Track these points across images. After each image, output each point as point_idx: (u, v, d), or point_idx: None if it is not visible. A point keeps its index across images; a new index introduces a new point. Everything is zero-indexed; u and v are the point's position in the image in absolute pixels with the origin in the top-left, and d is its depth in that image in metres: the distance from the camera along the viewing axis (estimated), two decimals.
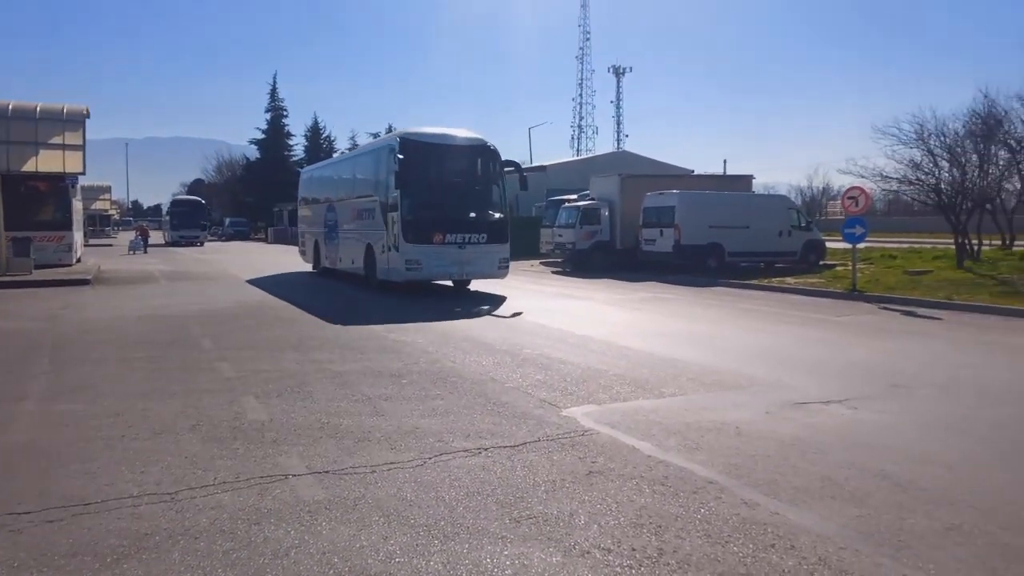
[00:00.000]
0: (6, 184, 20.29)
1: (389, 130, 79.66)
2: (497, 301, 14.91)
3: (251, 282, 19.64)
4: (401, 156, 14.72)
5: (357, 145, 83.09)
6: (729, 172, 39.98)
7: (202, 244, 50.23)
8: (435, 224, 15.08)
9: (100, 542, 3.71)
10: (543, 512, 4.10)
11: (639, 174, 27.05)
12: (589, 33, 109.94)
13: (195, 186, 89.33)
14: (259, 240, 63.38)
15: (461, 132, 16.58)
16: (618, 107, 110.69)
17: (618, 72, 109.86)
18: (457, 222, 15.30)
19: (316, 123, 78.80)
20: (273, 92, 76.68)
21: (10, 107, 20.33)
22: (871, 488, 4.48)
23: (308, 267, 23.41)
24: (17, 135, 19.89)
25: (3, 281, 18.70)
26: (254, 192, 73.90)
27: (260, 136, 76.66)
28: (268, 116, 76.69)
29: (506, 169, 16.65)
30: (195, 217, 52.78)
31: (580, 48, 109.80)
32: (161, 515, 4.06)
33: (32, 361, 8.59)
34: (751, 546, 3.67)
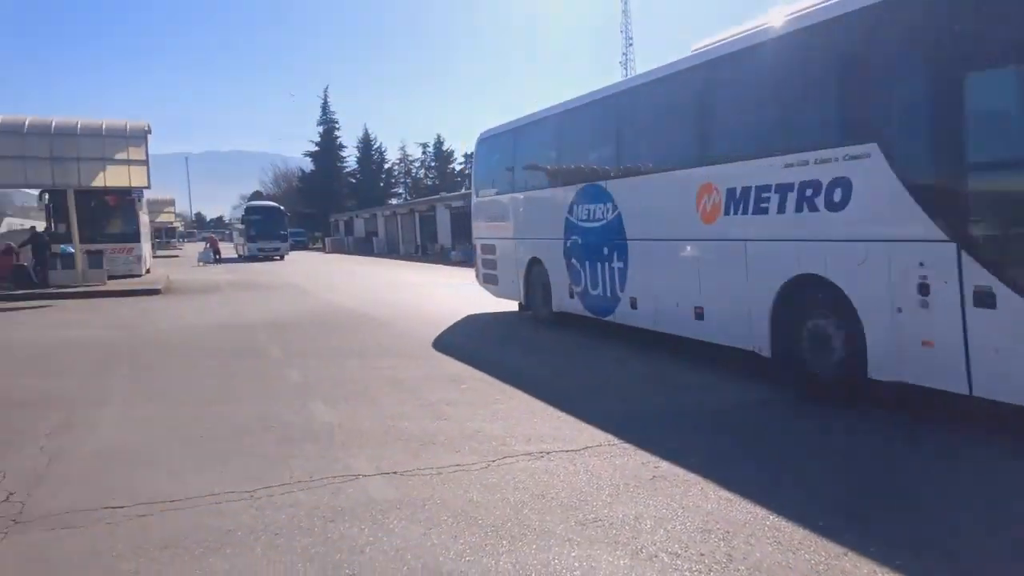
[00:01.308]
0: (78, 199, 21.33)
1: (438, 141, 79.99)
2: None
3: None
4: None
5: (408, 155, 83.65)
6: None
7: (282, 258, 43.73)
8: None
9: (188, 536, 3.91)
10: (608, 515, 4.15)
11: None
12: (631, 39, 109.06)
13: (254, 198, 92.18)
14: (317, 250, 64.84)
15: None
16: None
17: None
18: None
19: (367, 134, 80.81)
20: (325, 105, 78.97)
21: (78, 125, 21.34)
22: None
23: (489, 300, 14.08)
24: (86, 152, 20.86)
25: (80, 291, 19.68)
26: (310, 203, 75.86)
27: (314, 149, 78.89)
28: (321, 129, 79.09)
29: None
30: (275, 226, 45.31)
31: (623, 54, 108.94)
32: (242, 512, 4.25)
33: (113, 368, 9.05)
34: (823, 554, 3.65)
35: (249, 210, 48.14)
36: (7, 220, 28.21)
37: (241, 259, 44.22)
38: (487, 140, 14.03)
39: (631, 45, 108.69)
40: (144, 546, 3.79)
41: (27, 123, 20.80)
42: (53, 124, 21.00)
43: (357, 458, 5.26)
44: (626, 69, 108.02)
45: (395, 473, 4.91)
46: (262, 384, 7.90)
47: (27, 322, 14.18)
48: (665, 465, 4.98)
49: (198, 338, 11.51)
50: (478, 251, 14.44)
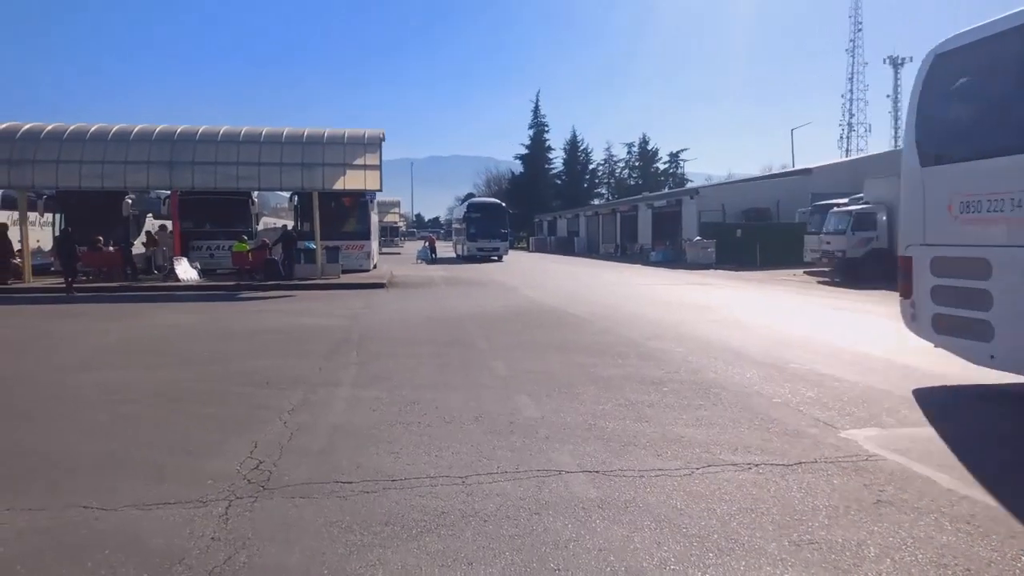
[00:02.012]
0: (320, 201, 23.79)
1: (643, 140, 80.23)
2: None
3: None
4: None
5: (612, 156, 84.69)
6: None
7: (500, 259, 41.42)
8: None
9: (406, 515, 4.22)
10: (826, 539, 3.86)
11: None
12: (861, 24, 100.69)
13: (467, 200, 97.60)
14: (521, 249, 67.01)
15: None
16: (896, 102, 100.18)
17: (896, 63, 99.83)
18: None
19: (574, 137, 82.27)
20: (536, 110, 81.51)
21: (325, 135, 23.79)
22: None
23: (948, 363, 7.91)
24: (330, 158, 23.18)
25: (319, 283, 22.05)
26: (517, 204, 78.68)
27: (524, 152, 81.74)
28: (531, 132, 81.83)
29: None
30: (495, 224, 42.50)
31: (851, 40, 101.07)
32: (454, 496, 4.51)
33: (344, 352, 10.01)
34: None
35: (470, 207, 44.89)
36: (263, 219, 32.25)
37: (459, 259, 43.28)
38: (954, 54, 7.26)
39: (860, 31, 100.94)
40: (368, 521, 4.14)
41: (284, 134, 23.67)
42: (305, 134, 23.70)
43: (560, 453, 5.36)
44: (853, 56, 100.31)
45: (597, 472, 4.94)
46: (471, 374, 8.33)
47: (273, 310, 16.11)
48: (891, 489, 4.55)
49: (415, 329, 12.38)
50: (922, 271, 7.39)
